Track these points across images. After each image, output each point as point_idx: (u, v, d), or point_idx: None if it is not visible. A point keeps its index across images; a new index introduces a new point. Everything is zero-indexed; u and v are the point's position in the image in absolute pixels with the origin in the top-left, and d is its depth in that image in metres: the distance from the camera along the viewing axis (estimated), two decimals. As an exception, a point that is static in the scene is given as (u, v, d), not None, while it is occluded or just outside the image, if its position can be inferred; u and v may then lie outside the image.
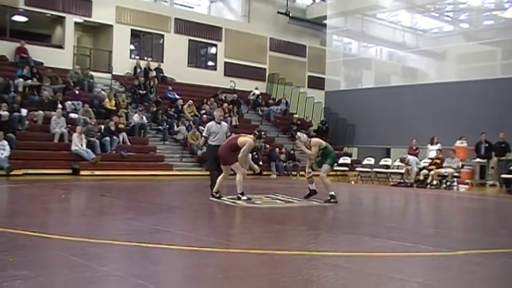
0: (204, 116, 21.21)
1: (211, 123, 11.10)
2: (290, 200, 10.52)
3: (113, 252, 5.17)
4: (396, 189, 16.21)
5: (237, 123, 23.02)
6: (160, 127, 20.23)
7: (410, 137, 19.51)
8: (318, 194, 10.38)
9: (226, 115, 22.68)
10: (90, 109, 18.43)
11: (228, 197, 10.27)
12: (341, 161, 20.73)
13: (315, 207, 9.70)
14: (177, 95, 22.69)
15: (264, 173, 19.61)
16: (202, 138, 11.17)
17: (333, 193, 10.02)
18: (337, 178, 19.71)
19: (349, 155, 23.07)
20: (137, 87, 21.77)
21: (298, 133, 10.65)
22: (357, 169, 19.77)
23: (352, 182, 18.68)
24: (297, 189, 11.07)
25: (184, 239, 5.99)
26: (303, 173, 17.72)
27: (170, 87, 23.10)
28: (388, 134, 23.41)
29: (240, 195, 9.84)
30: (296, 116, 25.99)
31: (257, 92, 26.36)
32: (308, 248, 5.65)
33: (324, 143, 10.31)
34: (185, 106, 21.64)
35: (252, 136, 9.91)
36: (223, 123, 11.17)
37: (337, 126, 25.95)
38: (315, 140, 10.29)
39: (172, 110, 21.30)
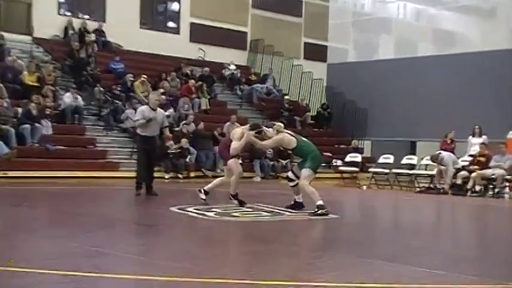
0: (163, 96, 21.16)
1: (144, 107, 12.01)
2: (279, 211, 10.58)
3: (35, 286, 5.13)
4: (424, 197, 16.36)
5: (208, 107, 23.02)
6: (101, 112, 20.18)
7: (444, 127, 19.63)
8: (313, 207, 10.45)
9: (194, 96, 22.69)
10: (1, 85, 18.24)
11: (195, 208, 10.31)
12: (348, 159, 20.81)
13: (311, 221, 9.76)
14: (125, 67, 22.62)
15: (245, 174, 19.62)
16: (139, 121, 11.97)
17: (321, 202, 10.12)
18: (343, 182, 19.80)
19: (360, 151, 23.21)
20: (69, 55, 21.64)
21: (268, 128, 10.99)
22: (370, 170, 19.89)
23: (364, 187, 18.79)
24: (288, 197, 11.11)
25: (135, 265, 5.97)
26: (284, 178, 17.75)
27: (116, 57, 23.00)
28: (413, 122, 23.61)
29: (233, 198, 10.77)
30: (288, 97, 26.07)
31: (233, 66, 26.44)
32: (301, 277, 5.66)
33: (295, 143, 10.53)
34: (136, 83, 21.54)
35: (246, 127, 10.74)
36: (160, 111, 12.01)
37: (343, 112, 26.08)
38: (280, 136, 10.61)
39: (119, 88, 21.20)
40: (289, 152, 11.01)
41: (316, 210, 10.06)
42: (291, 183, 10.78)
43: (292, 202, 10.82)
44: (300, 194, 10.73)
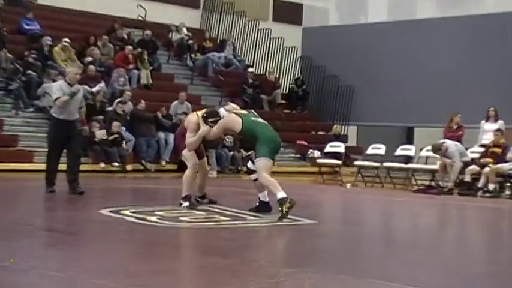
0: (91, 66, 20.99)
1: (60, 82, 12.28)
2: (240, 215, 10.62)
3: None
4: (423, 197, 16.45)
5: (150, 81, 22.91)
6: (10, 85, 19.92)
7: (449, 108, 19.73)
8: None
9: (131, 67, 22.54)
10: None
11: (133, 210, 10.32)
12: (328, 149, 20.88)
13: (282, 227, 9.77)
14: (42, 28, 22.35)
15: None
16: (62, 99, 12.06)
17: (283, 195, 10.12)
18: (321, 178, 19.86)
19: (343, 140, 23.28)
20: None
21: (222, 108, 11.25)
22: (356, 163, 20.05)
23: (348, 186, 18.93)
24: (252, 197, 11.12)
25: (53, 284, 5.91)
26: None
27: (28, 14, 22.69)
28: (410, 103, 23.79)
29: (183, 201, 10.92)
30: (252, 70, 26.17)
31: (183, 30, 26.37)
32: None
33: (240, 124, 10.62)
34: (56, 49, 21.34)
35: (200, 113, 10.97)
36: (77, 87, 12.21)
37: (322, 90, 26.19)
38: (226, 119, 10.80)
39: (33, 54, 20.96)
40: (240, 137, 11.14)
41: (279, 209, 10.04)
42: (253, 176, 10.85)
43: (257, 203, 10.86)
44: (264, 190, 10.76)
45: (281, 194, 10.11)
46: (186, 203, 10.91)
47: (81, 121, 14.09)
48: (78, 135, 12.79)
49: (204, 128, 10.74)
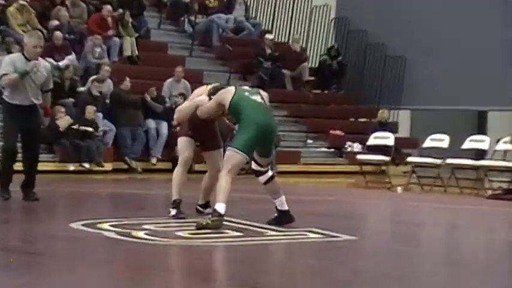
0: (58, 33, 21.00)
1: (15, 55, 12.48)
2: (255, 229, 10.64)
3: None
4: (501, 205, 16.41)
5: (136, 52, 22.88)
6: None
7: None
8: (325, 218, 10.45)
9: (111, 33, 22.53)
10: None
11: (112, 223, 10.32)
12: (372, 141, 20.79)
13: (311, 245, 9.80)
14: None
15: (201, 167, 19.57)
16: (7, 77, 12.17)
17: (220, 208, 10.22)
18: (363, 180, 19.79)
19: (392, 129, 23.17)
20: None
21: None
22: (410, 160, 20.07)
23: (399, 190, 19.02)
24: (271, 205, 11.08)
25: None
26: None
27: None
28: (482, 79, 23.68)
29: (171, 208, 11.11)
30: (270, 37, 26.13)
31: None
32: None
33: (229, 98, 10.64)
34: (11, 9, 21.38)
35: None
36: (42, 64, 12.36)
37: (364, 63, 26.11)
38: (222, 91, 10.92)
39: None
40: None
41: (202, 221, 10.25)
42: (262, 179, 10.90)
43: (275, 214, 10.90)
44: (280, 195, 10.82)
45: (220, 207, 10.22)
46: (173, 211, 11.02)
47: (45, 109, 14.04)
48: (38, 127, 12.85)
49: (202, 97, 10.89)
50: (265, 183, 10.89)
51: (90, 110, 19.32)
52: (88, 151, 18.96)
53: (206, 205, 11.67)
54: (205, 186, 11.61)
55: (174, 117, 11.46)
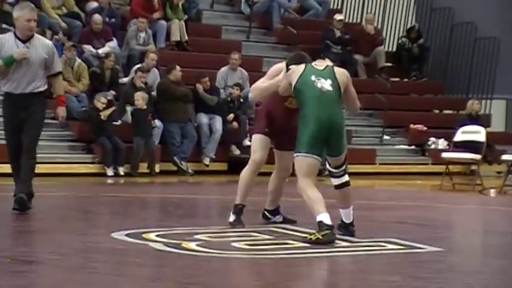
0: (97, 16, 21.09)
1: (6, 36, 12.26)
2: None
3: None
4: None
5: (185, 37, 22.97)
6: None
7: None
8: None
9: (156, 15, 22.61)
10: None
11: (160, 233, 10.28)
12: (460, 137, 20.68)
13: (392, 258, 9.74)
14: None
15: (266, 167, 19.60)
16: None
17: (323, 218, 10.10)
18: (450, 182, 19.70)
19: (482, 123, 23.06)
20: None
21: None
22: (505, 158, 19.91)
23: (491, 193, 18.94)
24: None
25: None
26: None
27: None
28: None
29: (232, 213, 11.09)
30: (340, 17, 26.11)
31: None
32: None
33: (296, 78, 10.50)
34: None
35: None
36: (41, 43, 12.03)
37: (449, 46, 26.03)
38: (291, 70, 10.69)
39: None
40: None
41: (310, 235, 10.12)
42: (335, 181, 10.79)
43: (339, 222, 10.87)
44: (348, 206, 10.79)
45: (324, 217, 10.12)
46: (232, 217, 10.98)
47: (58, 98, 13.00)
48: (32, 121, 12.14)
49: (282, 75, 10.75)
50: (338, 187, 10.80)
51: (139, 97, 19.21)
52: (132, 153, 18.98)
53: (276, 211, 11.63)
54: (272, 188, 11.52)
55: (249, 96, 11.36)
